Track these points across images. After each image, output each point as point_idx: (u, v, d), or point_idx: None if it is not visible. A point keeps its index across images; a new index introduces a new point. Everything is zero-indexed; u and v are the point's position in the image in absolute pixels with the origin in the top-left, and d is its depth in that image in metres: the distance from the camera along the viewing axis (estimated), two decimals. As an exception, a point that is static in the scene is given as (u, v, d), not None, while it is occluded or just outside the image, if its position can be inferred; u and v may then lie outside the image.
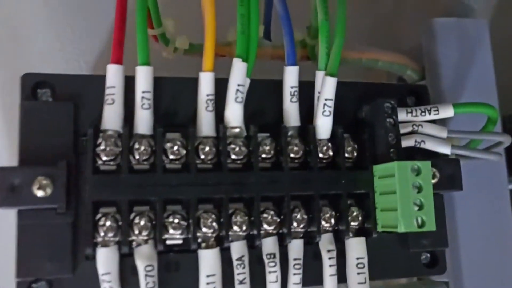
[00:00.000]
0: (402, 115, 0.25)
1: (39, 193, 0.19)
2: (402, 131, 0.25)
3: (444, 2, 0.37)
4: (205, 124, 0.22)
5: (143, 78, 0.21)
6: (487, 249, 0.31)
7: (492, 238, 0.31)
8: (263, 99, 0.24)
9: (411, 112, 0.25)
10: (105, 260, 0.20)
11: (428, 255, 0.26)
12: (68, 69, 0.34)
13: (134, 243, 0.21)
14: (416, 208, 0.22)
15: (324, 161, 0.24)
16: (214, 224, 0.21)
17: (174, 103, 0.23)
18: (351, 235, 0.24)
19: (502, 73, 0.35)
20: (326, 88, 0.23)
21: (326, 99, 0.23)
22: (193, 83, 0.23)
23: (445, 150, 0.24)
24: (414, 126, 0.25)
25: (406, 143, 0.25)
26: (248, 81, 0.23)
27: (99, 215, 0.21)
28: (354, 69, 0.35)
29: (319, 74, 0.24)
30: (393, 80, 0.37)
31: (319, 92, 0.24)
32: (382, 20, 0.41)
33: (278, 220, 0.22)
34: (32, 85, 0.21)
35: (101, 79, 0.22)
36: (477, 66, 0.33)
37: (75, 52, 0.35)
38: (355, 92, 0.26)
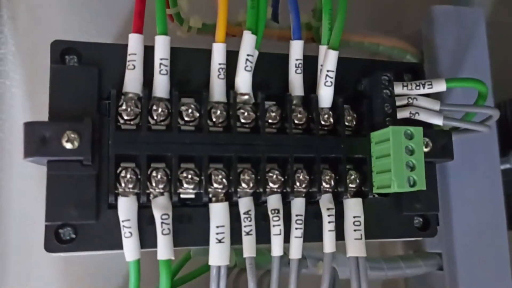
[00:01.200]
0: (398, 89, 0.27)
1: (68, 146, 0.21)
2: (398, 103, 0.27)
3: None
4: (217, 90, 0.24)
5: (162, 46, 0.24)
6: (479, 225, 0.33)
7: (484, 214, 0.33)
8: (270, 70, 0.26)
9: (407, 86, 0.27)
10: (125, 208, 0.22)
11: (421, 219, 0.27)
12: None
13: (151, 196, 0.23)
14: (409, 169, 0.24)
15: (326, 128, 0.26)
16: (224, 180, 0.24)
17: (189, 71, 0.25)
18: (349, 196, 0.26)
19: (496, 62, 0.38)
20: (328, 61, 0.25)
21: (328, 71, 0.25)
22: (207, 53, 0.25)
23: (438, 121, 0.26)
24: (409, 99, 0.27)
25: (401, 114, 0.27)
26: (256, 52, 0.25)
27: (120, 169, 0.23)
28: (357, 54, 0.37)
29: (322, 48, 0.26)
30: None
31: (322, 65, 0.26)
32: (385, 6, 0.43)
33: (282, 179, 0.24)
34: (61, 50, 0.23)
35: (123, 47, 0.24)
36: (472, 52, 0.35)
37: (93, 34, 0.37)
38: (355, 67, 0.28)
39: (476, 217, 0.33)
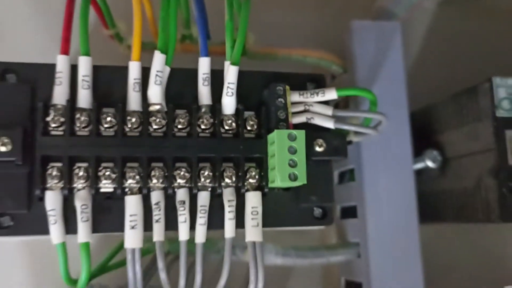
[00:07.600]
0: (295, 97, 0.31)
1: (2, 149, 0.26)
2: (296, 109, 0.31)
3: (374, 8, 0.43)
4: (133, 101, 0.29)
5: (84, 65, 0.28)
6: (391, 218, 0.37)
7: (396, 209, 0.37)
8: (183, 83, 0.31)
9: (303, 95, 0.31)
10: (51, 200, 0.27)
11: (321, 210, 0.32)
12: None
13: (75, 190, 0.28)
14: (291, 166, 0.28)
15: (230, 131, 0.30)
16: (137, 177, 0.28)
17: (111, 85, 0.30)
18: (250, 189, 0.30)
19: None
20: (229, 74, 0.30)
21: (229, 83, 0.30)
22: (125, 70, 0.29)
23: (330, 124, 0.31)
24: (306, 106, 0.31)
25: (299, 119, 0.31)
26: (167, 69, 0.30)
27: (49, 166, 0.28)
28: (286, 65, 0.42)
29: (226, 64, 0.30)
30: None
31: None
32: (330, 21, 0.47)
33: (189, 176, 0.29)
34: (1, 70, 0.28)
35: (54, 66, 0.29)
36: (388, 63, 0.39)
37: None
38: (263, 79, 0.32)
39: (388, 211, 0.37)
